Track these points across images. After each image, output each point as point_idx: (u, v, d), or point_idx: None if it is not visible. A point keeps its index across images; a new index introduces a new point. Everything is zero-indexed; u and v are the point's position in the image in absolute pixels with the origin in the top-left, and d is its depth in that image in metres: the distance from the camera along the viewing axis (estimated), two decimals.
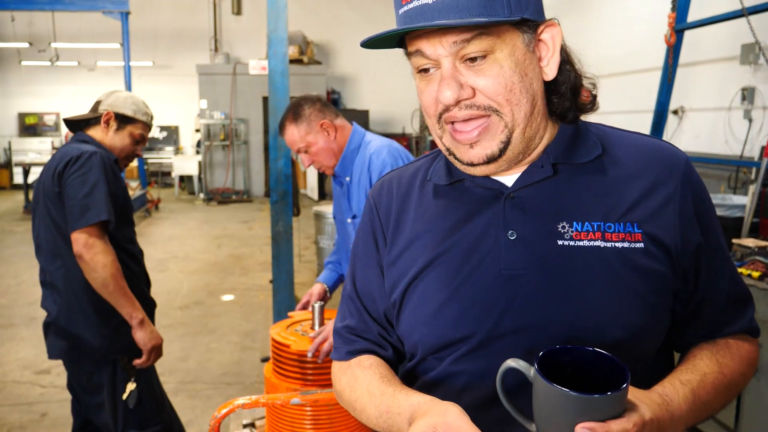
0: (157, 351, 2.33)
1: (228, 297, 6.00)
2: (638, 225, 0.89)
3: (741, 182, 6.12)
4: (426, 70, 0.88)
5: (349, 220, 2.35)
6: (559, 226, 0.89)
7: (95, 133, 2.38)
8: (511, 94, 0.85)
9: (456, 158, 0.92)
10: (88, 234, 2.12)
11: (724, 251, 0.97)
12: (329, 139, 2.25)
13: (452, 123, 0.88)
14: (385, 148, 2.23)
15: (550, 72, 0.89)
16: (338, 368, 1.09)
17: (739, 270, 2.78)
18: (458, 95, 0.84)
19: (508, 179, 0.95)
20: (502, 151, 0.88)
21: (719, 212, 5.06)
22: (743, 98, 6.16)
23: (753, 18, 4.75)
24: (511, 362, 0.78)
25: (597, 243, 0.88)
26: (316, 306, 2.12)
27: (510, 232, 0.91)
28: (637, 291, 0.87)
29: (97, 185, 2.15)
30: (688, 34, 6.03)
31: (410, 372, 1.04)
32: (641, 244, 0.88)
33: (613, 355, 0.75)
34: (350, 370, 1.05)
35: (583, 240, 0.88)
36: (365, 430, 2.05)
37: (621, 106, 8.36)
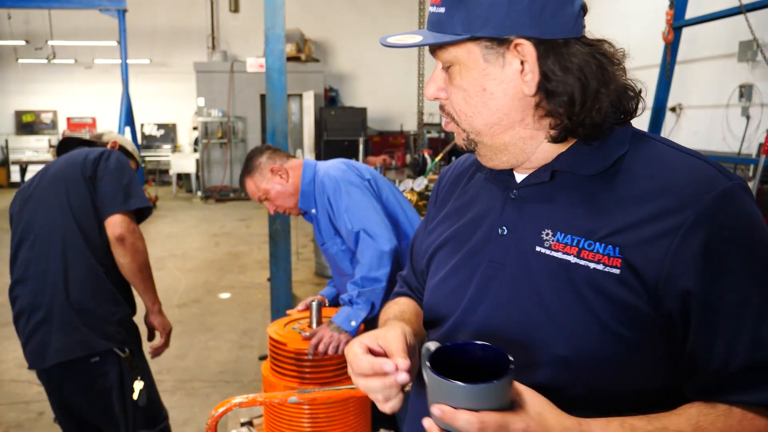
0: (168, 337, 2.44)
1: (226, 295, 6.00)
2: (620, 250, 0.82)
3: None
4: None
5: (322, 246, 2.45)
6: (543, 233, 0.89)
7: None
8: (467, 106, 0.91)
9: None
10: (130, 218, 2.20)
11: (750, 308, 0.79)
12: (283, 182, 2.34)
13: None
14: (331, 167, 2.34)
15: (528, 89, 0.87)
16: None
17: None
18: (433, 93, 0.95)
19: (521, 177, 0.96)
20: (469, 146, 0.95)
21: None
22: (741, 95, 6.17)
23: (751, 15, 4.75)
24: (430, 345, 0.83)
25: (568, 258, 0.85)
26: (314, 304, 2.12)
27: (502, 228, 0.94)
28: (598, 316, 0.82)
29: (134, 178, 2.29)
30: (686, 32, 6.03)
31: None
32: (617, 270, 0.82)
33: (499, 348, 0.77)
34: (387, 305, 1.20)
35: (558, 251, 0.86)
36: (363, 429, 2.05)
37: None
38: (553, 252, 0.87)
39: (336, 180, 2.25)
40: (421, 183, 5.01)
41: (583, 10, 0.90)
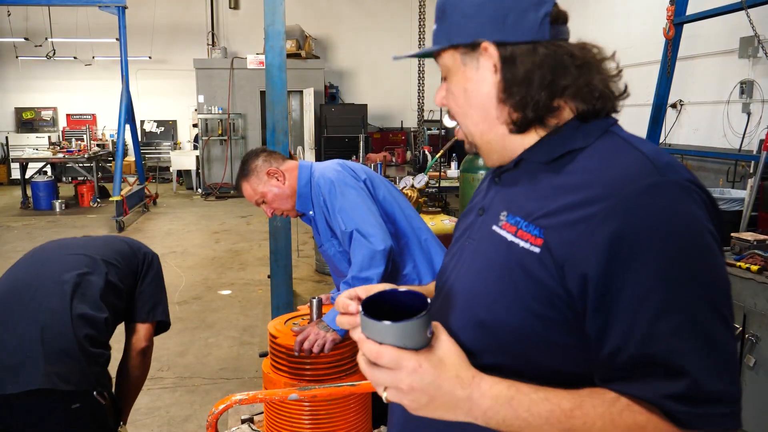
0: None
1: (226, 292, 6.00)
2: (544, 231, 0.88)
3: (739, 176, 6.12)
4: None
5: (320, 247, 2.45)
6: (501, 214, 0.99)
7: None
8: (459, 108, 1.03)
9: None
10: (152, 329, 2.27)
11: (650, 304, 0.80)
12: (279, 184, 2.33)
13: None
14: (326, 169, 2.33)
15: (496, 88, 0.99)
16: None
17: (738, 264, 2.78)
18: (440, 101, 1.07)
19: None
20: (472, 148, 1.05)
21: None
22: (742, 92, 6.15)
23: (752, 11, 4.75)
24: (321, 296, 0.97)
25: (507, 235, 0.95)
26: (314, 301, 2.12)
27: (480, 208, 1.07)
28: (518, 289, 0.90)
29: (164, 288, 2.37)
30: (686, 28, 6.02)
31: None
32: (537, 250, 0.88)
33: (419, 293, 0.87)
34: None
35: (503, 230, 0.96)
36: (363, 426, 2.05)
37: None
38: (501, 231, 0.97)
39: (331, 181, 2.25)
40: (421, 180, 5.00)
41: (557, 17, 0.97)
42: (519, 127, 0.97)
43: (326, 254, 2.43)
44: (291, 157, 3.25)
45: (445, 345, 0.85)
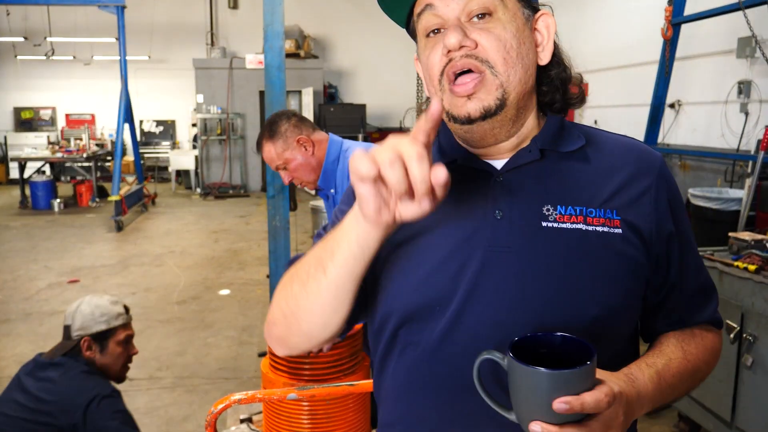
0: None
1: (225, 292, 6.00)
2: (617, 212, 0.93)
3: (737, 176, 6.13)
4: (433, 33, 0.94)
5: None
6: (544, 209, 0.93)
7: (87, 355, 2.22)
8: (509, 55, 0.90)
9: (454, 119, 0.93)
10: None
11: (692, 244, 1.04)
12: (307, 154, 2.23)
13: (452, 79, 0.91)
14: (361, 151, 2.22)
15: (545, 57, 0.96)
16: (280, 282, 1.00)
17: (735, 264, 2.79)
18: (461, 41, 0.88)
19: (498, 163, 0.97)
20: (499, 108, 0.90)
21: (716, 205, 5.07)
22: (740, 92, 6.16)
23: (749, 11, 4.76)
24: (486, 354, 0.80)
25: (579, 226, 0.92)
26: None
27: (497, 212, 0.93)
28: (613, 273, 0.92)
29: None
30: (684, 28, 6.03)
31: (383, 357, 1.02)
32: (619, 230, 0.93)
33: (578, 337, 0.80)
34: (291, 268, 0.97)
35: (566, 222, 0.92)
36: (362, 425, 2.05)
37: (618, 100, 8.36)
38: (561, 224, 0.92)
39: None
40: None
41: None
42: (551, 106, 1.00)
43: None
44: None
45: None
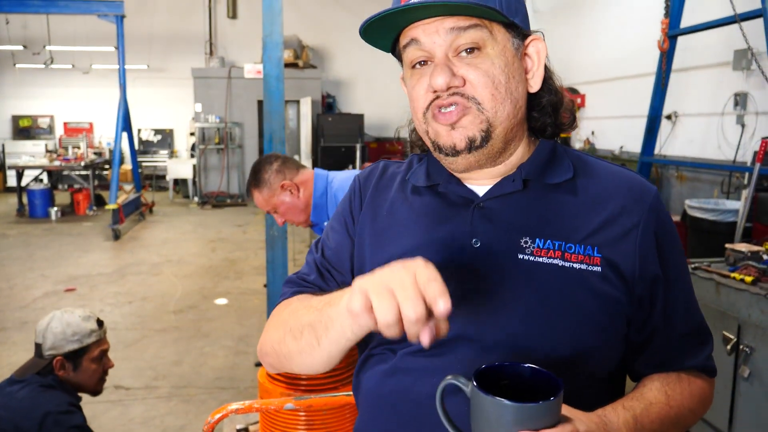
0: None
1: (222, 301, 5.99)
2: (598, 249, 0.90)
3: (734, 187, 6.15)
4: (420, 64, 0.92)
5: None
6: (522, 241, 0.91)
7: (60, 374, 2.16)
8: (497, 91, 0.88)
9: (440, 149, 0.92)
10: None
11: (683, 285, 0.97)
12: (294, 197, 2.26)
13: (437, 110, 0.90)
14: (347, 180, 2.24)
15: (535, 84, 0.94)
16: (277, 308, 1.07)
17: (732, 275, 2.80)
18: (449, 81, 0.87)
19: (481, 189, 0.97)
20: (483, 141, 0.89)
21: (712, 217, 5.09)
22: (736, 104, 6.20)
23: (745, 24, 4.79)
24: (451, 378, 0.77)
25: (555, 261, 0.89)
26: None
27: (474, 240, 0.92)
28: (589, 312, 0.88)
29: None
30: (681, 40, 6.07)
31: (365, 359, 1.03)
32: (599, 268, 0.89)
33: (547, 370, 0.76)
34: (288, 302, 1.05)
35: (542, 257, 0.89)
36: None
37: (615, 111, 8.39)
38: (537, 258, 0.89)
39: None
40: None
41: None
42: (542, 133, 0.98)
43: None
44: None
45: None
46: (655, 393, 0.92)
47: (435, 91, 0.89)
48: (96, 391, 2.27)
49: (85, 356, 2.18)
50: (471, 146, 0.89)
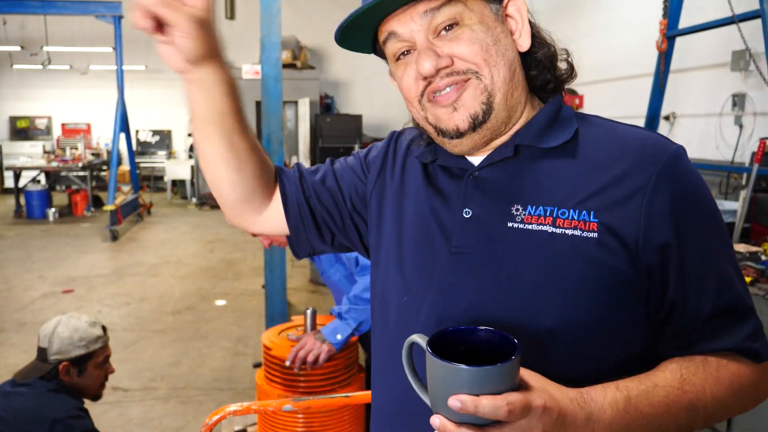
0: None
1: (220, 302, 5.98)
2: (595, 214, 0.83)
3: (732, 188, 6.16)
4: (403, 54, 0.91)
5: (322, 274, 2.35)
6: (513, 208, 0.88)
7: (64, 379, 2.16)
8: (488, 55, 0.86)
9: (443, 133, 0.91)
10: None
11: (714, 256, 0.86)
12: None
13: (433, 95, 0.89)
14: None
15: (524, 43, 0.91)
16: None
17: None
18: (437, 63, 0.85)
19: (477, 159, 0.95)
20: (486, 114, 0.87)
21: None
22: (734, 104, 6.20)
23: (743, 25, 4.79)
24: (415, 337, 0.78)
25: (545, 228, 0.85)
26: (308, 312, 2.12)
27: (465, 210, 0.92)
28: (581, 281, 0.82)
29: None
30: (679, 41, 6.07)
31: (374, 320, 1.09)
32: (595, 234, 0.82)
33: (505, 334, 0.74)
34: None
35: (533, 224, 0.86)
36: None
37: (613, 112, 8.39)
38: (527, 225, 0.86)
39: None
40: None
41: None
42: (544, 89, 0.94)
43: (329, 280, 2.34)
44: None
45: (531, 374, 0.75)
46: (667, 375, 0.83)
47: (425, 78, 0.87)
48: (96, 395, 2.27)
49: (90, 362, 2.19)
50: (475, 124, 0.88)
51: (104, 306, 5.74)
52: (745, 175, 5.11)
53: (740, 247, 3.02)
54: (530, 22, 0.93)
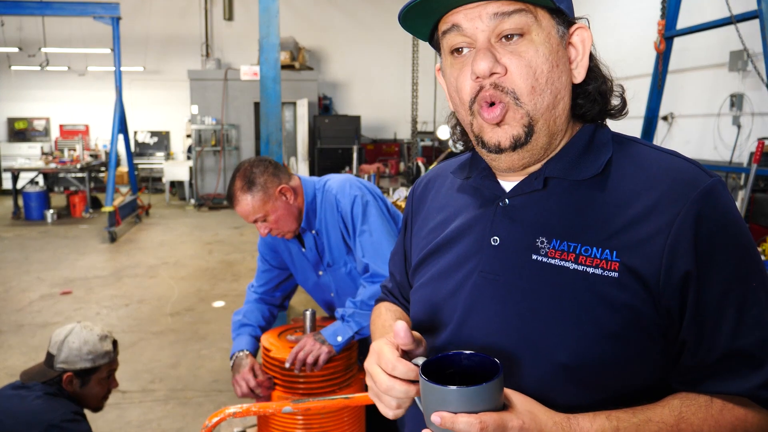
0: None
1: (219, 303, 5.97)
2: (617, 253, 0.82)
3: (730, 188, 6.17)
4: (459, 51, 0.88)
5: (320, 273, 2.29)
6: (538, 241, 0.88)
7: (66, 388, 2.15)
8: (537, 82, 0.85)
9: (484, 144, 0.90)
10: None
11: (735, 295, 0.82)
12: (288, 203, 2.08)
13: (483, 104, 0.88)
14: (345, 183, 2.15)
15: (579, 75, 0.90)
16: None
17: None
18: (492, 67, 0.84)
19: (509, 185, 0.95)
20: (528, 136, 0.87)
21: None
22: (732, 104, 6.22)
23: (741, 25, 4.80)
24: (419, 359, 0.84)
25: (567, 264, 0.85)
26: (308, 313, 2.11)
27: (494, 238, 0.92)
28: (599, 321, 0.82)
29: None
30: (677, 41, 6.08)
31: None
32: (615, 274, 0.82)
33: (487, 356, 0.79)
34: (380, 311, 1.20)
35: (555, 258, 0.86)
36: None
37: None
38: (550, 259, 0.86)
39: (355, 198, 2.12)
40: None
41: None
42: (584, 118, 0.93)
43: (336, 273, 2.26)
44: (285, 167, 3.12)
45: (519, 397, 0.79)
46: (665, 411, 0.81)
47: (477, 78, 0.86)
48: (97, 408, 2.26)
49: (94, 375, 2.19)
50: (516, 144, 0.87)
51: (103, 307, 5.73)
52: (743, 176, 5.12)
53: None
54: (592, 55, 0.93)
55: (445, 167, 1.14)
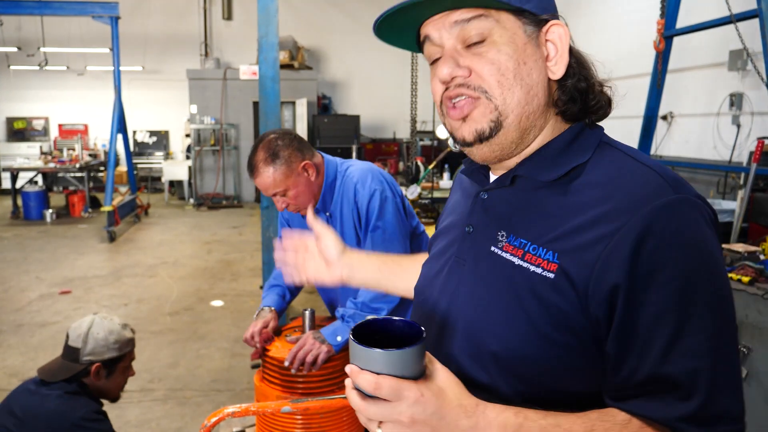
0: None
1: (218, 303, 5.97)
2: (558, 255, 0.84)
3: (730, 187, 6.17)
4: (436, 61, 0.94)
5: None
6: (499, 234, 0.94)
7: (94, 381, 2.14)
8: (504, 77, 0.87)
9: (455, 140, 0.97)
10: None
11: (673, 319, 0.78)
12: (310, 179, 2.06)
13: (449, 102, 0.93)
14: (368, 174, 2.12)
15: (557, 71, 0.91)
16: None
17: (729, 275, 2.79)
18: (452, 72, 0.89)
19: (493, 177, 1.02)
20: (493, 131, 0.90)
21: None
22: (731, 104, 6.22)
23: (741, 24, 4.80)
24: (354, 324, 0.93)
25: (513, 259, 0.89)
26: (306, 312, 2.11)
27: (469, 226, 1.00)
28: (529, 317, 0.85)
29: None
30: (676, 41, 6.08)
31: None
32: (552, 275, 0.83)
33: (415, 323, 0.82)
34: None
35: (507, 253, 0.91)
36: None
37: (610, 112, 8.40)
38: (503, 253, 0.92)
39: (374, 192, 2.09)
40: (414, 191, 5.01)
41: None
42: (568, 119, 0.95)
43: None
44: None
45: (442, 373, 0.79)
46: (578, 421, 0.80)
47: (443, 83, 0.91)
48: (116, 398, 2.27)
49: (119, 364, 2.19)
50: (480, 138, 0.91)
51: (102, 307, 5.72)
52: (743, 175, 5.12)
53: (738, 247, 3.02)
54: (574, 51, 0.94)
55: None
